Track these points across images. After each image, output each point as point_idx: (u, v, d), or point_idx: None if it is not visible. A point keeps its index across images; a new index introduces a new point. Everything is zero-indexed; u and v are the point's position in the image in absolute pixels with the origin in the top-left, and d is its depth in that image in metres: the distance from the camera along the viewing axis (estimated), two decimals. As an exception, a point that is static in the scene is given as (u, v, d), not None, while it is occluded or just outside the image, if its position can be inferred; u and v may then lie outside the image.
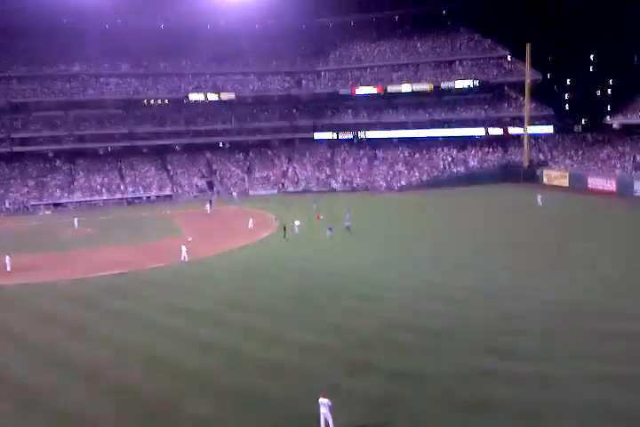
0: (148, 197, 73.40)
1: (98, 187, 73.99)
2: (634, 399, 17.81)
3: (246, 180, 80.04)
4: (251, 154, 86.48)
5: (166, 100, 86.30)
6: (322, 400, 17.17)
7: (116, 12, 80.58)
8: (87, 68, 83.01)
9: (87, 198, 71.63)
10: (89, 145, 79.89)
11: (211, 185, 78.41)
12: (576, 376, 19.45)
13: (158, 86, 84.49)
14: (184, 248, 39.46)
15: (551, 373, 19.80)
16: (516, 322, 24.70)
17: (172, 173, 79.76)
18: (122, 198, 72.52)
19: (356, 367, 21.03)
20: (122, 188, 74.65)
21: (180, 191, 75.90)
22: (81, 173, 77.06)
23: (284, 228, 45.53)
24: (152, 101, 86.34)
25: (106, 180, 75.92)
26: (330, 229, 45.11)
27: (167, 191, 74.92)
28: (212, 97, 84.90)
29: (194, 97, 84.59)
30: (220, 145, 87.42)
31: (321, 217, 52.52)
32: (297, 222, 47.17)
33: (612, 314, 25.09)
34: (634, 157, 64.42)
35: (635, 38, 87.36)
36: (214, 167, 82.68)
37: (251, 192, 76.45)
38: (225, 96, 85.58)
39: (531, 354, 21.37)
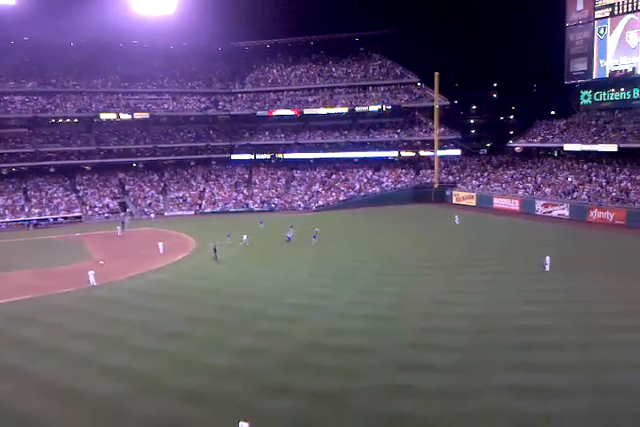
0: (55, 219, 69.85)
1: (0, 209, 69.80)
2: (538, 406, 18.78)
3: (161, 200, 78.17)
4: (166, 174, 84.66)
5: (75, 119, 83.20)
6: (242, 425, 16.90)
7: (22, 27, 76.93)
8: (-11, 85, 78.88)
9: (-13, 221, 67.30)
10: (-10, 165, 75.42)
11: (123, 206, 75.88)
12: (486, 387, 20.27)
13: (67, 105, 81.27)
14: (91, 273, 37.87)
15: (462, 385, 20.53)
16: (431, 337, 25.46)
17: (81, 194, 76.56)
18: (27, 221, 68.65)
19: (274, 390, 20.83)
20: (26, 210, 70.80)
21: (90, 213, 72.84)
22: (-19, 194, 72.48)
23: (215, 249, 44.67)
24: (60, 120, 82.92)
25: (9, 201, 71.70)
26: (314, 237, 49.85)
27: (76, 213, 71.70)
28: (125, 116, 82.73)
29: (105, 116, 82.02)
30: (134, 165, 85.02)
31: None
32: (245, 237, 49.78)
33: (521, 327, 26.33)
34: (535, 179, 68.59)
35: (534, 68, 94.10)
36: (127, 188, 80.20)
37: (166, 213, 74.64)
38: (138, 115, 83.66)
39: (444, 367, 22.04)
